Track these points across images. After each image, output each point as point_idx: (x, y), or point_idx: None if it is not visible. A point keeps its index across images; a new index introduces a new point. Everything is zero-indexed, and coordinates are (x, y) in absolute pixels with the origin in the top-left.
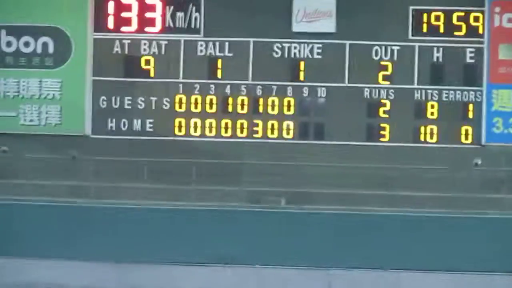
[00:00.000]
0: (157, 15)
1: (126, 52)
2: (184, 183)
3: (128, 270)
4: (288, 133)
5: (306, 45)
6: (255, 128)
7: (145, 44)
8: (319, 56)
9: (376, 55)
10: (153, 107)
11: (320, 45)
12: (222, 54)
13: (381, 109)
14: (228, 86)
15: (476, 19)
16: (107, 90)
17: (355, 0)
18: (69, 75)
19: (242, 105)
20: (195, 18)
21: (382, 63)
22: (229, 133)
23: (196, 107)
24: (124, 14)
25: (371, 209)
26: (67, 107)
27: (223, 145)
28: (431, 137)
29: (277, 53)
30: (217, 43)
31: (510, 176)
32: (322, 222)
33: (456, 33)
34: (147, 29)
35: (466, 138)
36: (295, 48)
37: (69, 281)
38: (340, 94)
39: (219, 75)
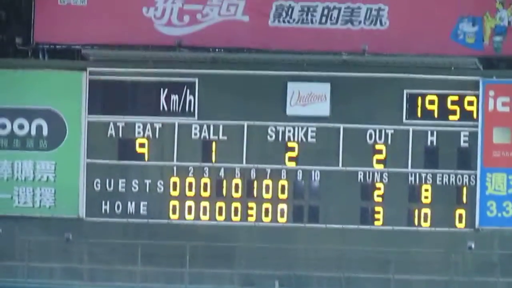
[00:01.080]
0: (151, 98)
1: (120, 135)
2: (178, 266)
3: None
4: (282, 217)
5: (300, 128)
6: (249, 212)
7: (139, 127)
8: (313, 140)
9: (370, 139)
10: (147, 190)
11: (314, 129)
12: (216, 137)
13: (375, 193)
14: (222, 169)
15: (470, 103)
16: (101, 173)
17: (349, 84)
18: (63, 158)
19: (237, 188)
20: (190, 101)
21: (376, 146)
22: (224, 216)
23: (190, 190)
24: (118, 97)
25: None
26: (61, 190)
27: (217, 228)
28: (425, 221)
29: (271, 136)
30: (211, 126)
31: (504, 259)
32: None
33: (450, 117)
34: (141, 112)
35: (460, 222)
36: (289, 131)
37: None
38: (334, 178)
39: (213, 158)
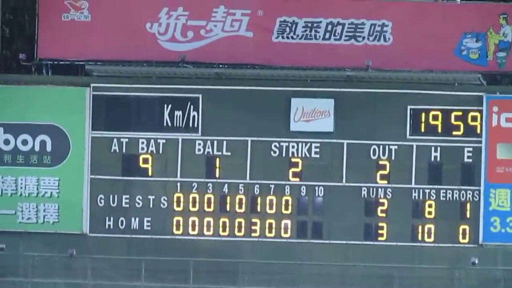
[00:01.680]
0: (155, 113)
1: (124, 150)
2: (181, 282)
3: None
4: (286, 232)
5: (304, 144)
6: (253, 227)
7: (143, 142)
8: (317, 155)
9: (374, 154)
10: (151, 206)
11: (318, 144)
12: (220, 153)
13: (379, 208)
14: (226, 185)
15: (474, 118)
16: (105, 189)
17: (353, 100)
18: (67, 173)
19: (240, 204)
20: (193, 117)
21: (380, 162)
22: (227, 231)
23: (194, 206)
24: (121, 113)
25: None
26: (65, 205)
27: (221, 244)
28: (429, 236)
29: (275, 152)
30: (215, 142)
31: (508, 275)
32: None
33: (454, 133)
34: (145, 127)
35: (464, 238)
36: (293, 147)
37: None
38: (338, 193)
39: (217, 174)
